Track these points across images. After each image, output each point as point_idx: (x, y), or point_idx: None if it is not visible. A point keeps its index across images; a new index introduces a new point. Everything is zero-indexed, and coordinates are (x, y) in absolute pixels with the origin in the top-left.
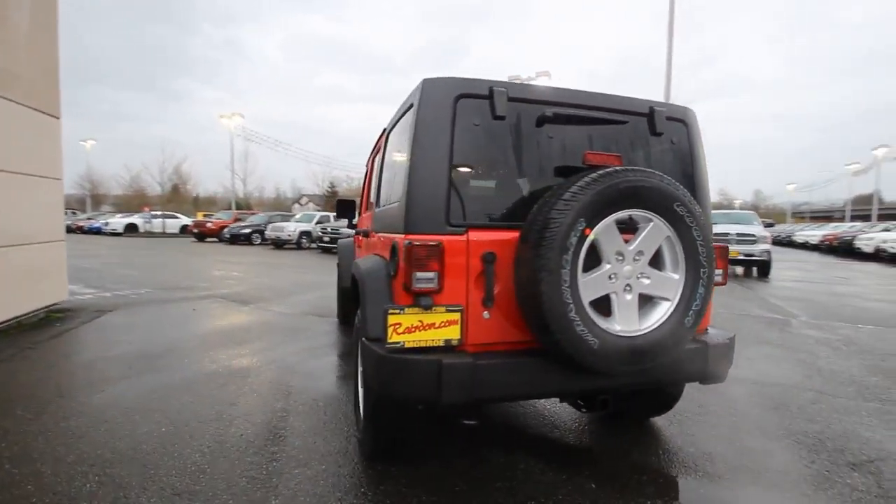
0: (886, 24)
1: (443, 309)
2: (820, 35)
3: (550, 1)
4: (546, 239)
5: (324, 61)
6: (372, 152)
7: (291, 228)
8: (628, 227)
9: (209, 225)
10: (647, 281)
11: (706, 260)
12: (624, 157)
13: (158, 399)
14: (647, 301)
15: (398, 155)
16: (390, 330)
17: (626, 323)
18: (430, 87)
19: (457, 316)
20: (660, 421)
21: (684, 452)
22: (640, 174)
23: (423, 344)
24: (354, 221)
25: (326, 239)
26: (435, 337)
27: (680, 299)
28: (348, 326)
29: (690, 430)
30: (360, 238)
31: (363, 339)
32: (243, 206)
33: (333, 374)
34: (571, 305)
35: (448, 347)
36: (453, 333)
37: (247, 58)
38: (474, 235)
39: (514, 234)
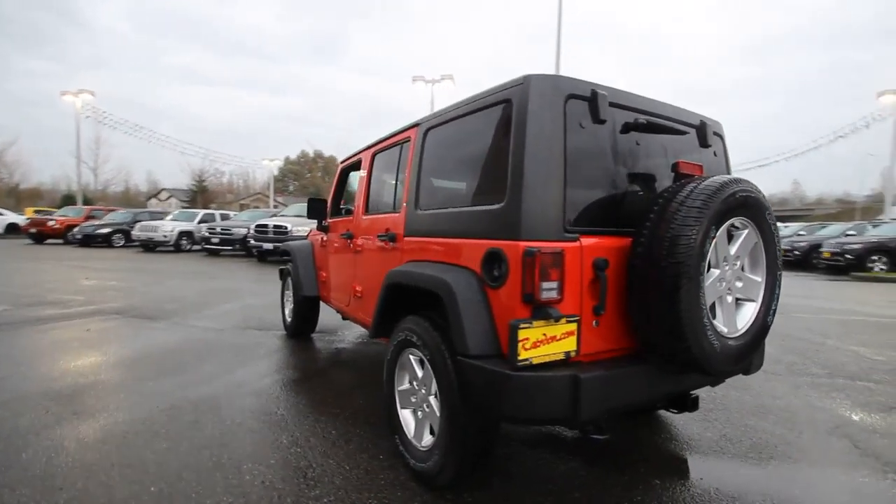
0: (707, 64)
1: (564, 320)
2: (656, 70)
3: (431, 4)
4: (684, 246)
5: (180, 39)
6: (374, 149)
7: (168, 228)
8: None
9: (52, 224)
10: (740, 284)
11: (780, 263)
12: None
13: (117, 449)
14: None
15: (476, 154)
16: (519, 346)
17: (730, 325)
18: (540, 84)
19: (574, 326)
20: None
21: (706, 438)
22: (748, 185)
23: (547, 359)
24: (325, 223)
25: (215, 240)
26: (556, 350)
27: (762, 300)
28: (303, 340)
29: (693, 416)
30: (359, 242)
31: (459, 356)
32: (86, 200)
33: (328, 398)
34: (705, 311)
35: (565, 360)
36: (571, 345)
37: (82, 25)
38: (586, 241)
39: (621, 241)
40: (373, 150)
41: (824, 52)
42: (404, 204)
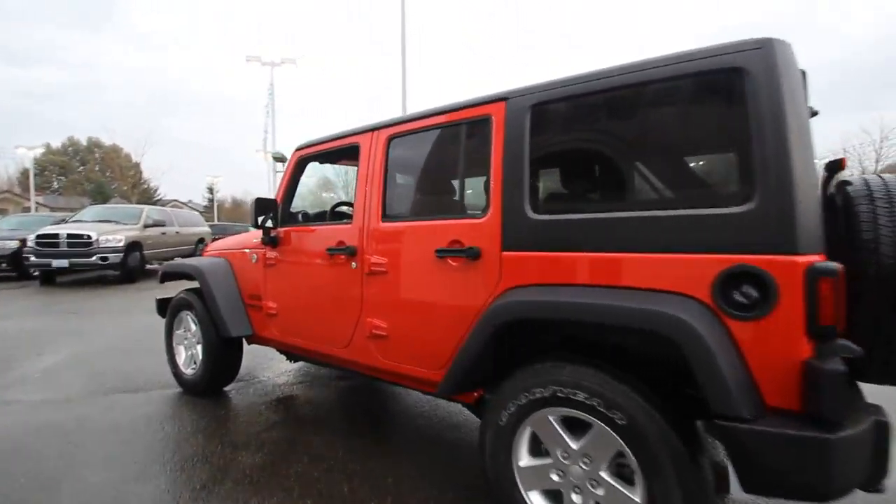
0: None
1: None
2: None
3: None
4: None
5: None
6: (390, 130)
7: None
8: None
9: None
10: None
11: None
12: None
13: None
14: None
15: (666, 137)
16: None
17: None
18: (784, 51)
19: None
20: None
21: None
22: None
23: None
24: (275, 233)
25: None
26: None
27: None
28: (217, 397)
29: None
30: (375, 259)
31: (719, 421)
32: None
33: (337, 492)
34: None
35: None
36: None
37: None
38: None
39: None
40: (387, 131)
41: None
42: (495, 205)
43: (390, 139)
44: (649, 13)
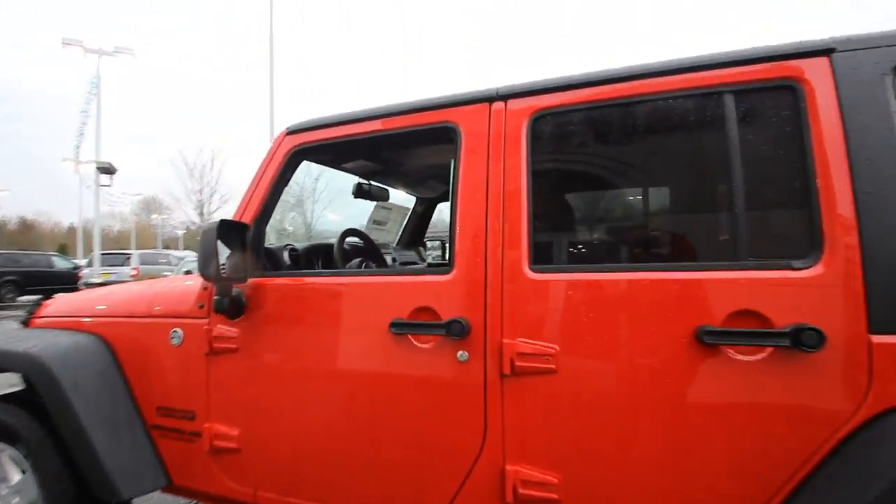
0: None
1: None
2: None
3: None
4: None
5: None
6: (575, 98)
7: None
8: None
9: None
10: None
11: None
12: None
13: None
14: None
15: None
16: None
17: None
18: None
19: None
20: None
21: None
22: None
23: None
24: (239, 288)
25: None
26: None
27: None
28: None
29: None
30: (521, 348)
31: None
32: None
33: None
34: None
35: None
36: None
37: None
38: None
39: None
40: (528, 103)
41: None
42: (840, 245)
43: (537, 117)
44: (649, 13)
